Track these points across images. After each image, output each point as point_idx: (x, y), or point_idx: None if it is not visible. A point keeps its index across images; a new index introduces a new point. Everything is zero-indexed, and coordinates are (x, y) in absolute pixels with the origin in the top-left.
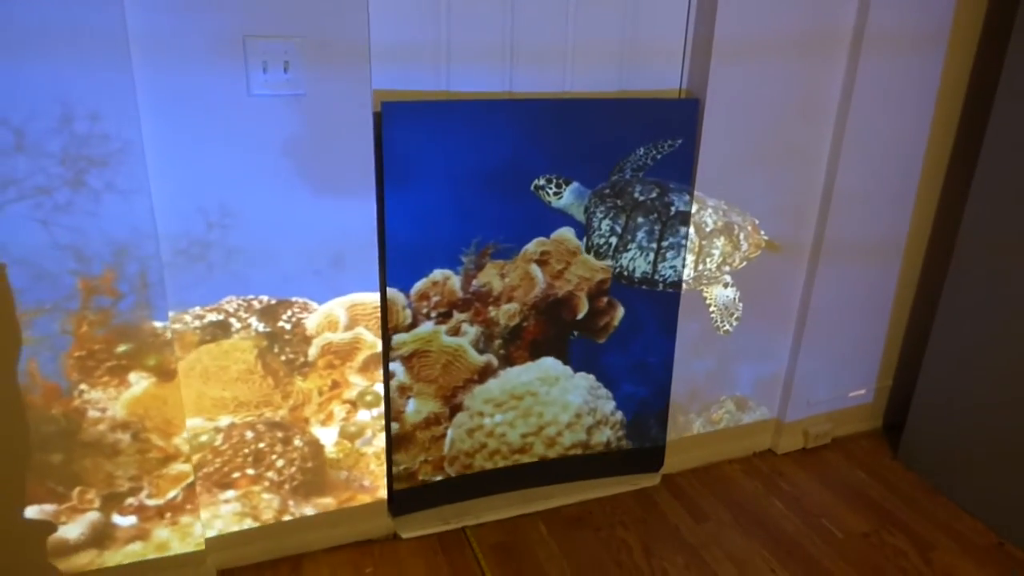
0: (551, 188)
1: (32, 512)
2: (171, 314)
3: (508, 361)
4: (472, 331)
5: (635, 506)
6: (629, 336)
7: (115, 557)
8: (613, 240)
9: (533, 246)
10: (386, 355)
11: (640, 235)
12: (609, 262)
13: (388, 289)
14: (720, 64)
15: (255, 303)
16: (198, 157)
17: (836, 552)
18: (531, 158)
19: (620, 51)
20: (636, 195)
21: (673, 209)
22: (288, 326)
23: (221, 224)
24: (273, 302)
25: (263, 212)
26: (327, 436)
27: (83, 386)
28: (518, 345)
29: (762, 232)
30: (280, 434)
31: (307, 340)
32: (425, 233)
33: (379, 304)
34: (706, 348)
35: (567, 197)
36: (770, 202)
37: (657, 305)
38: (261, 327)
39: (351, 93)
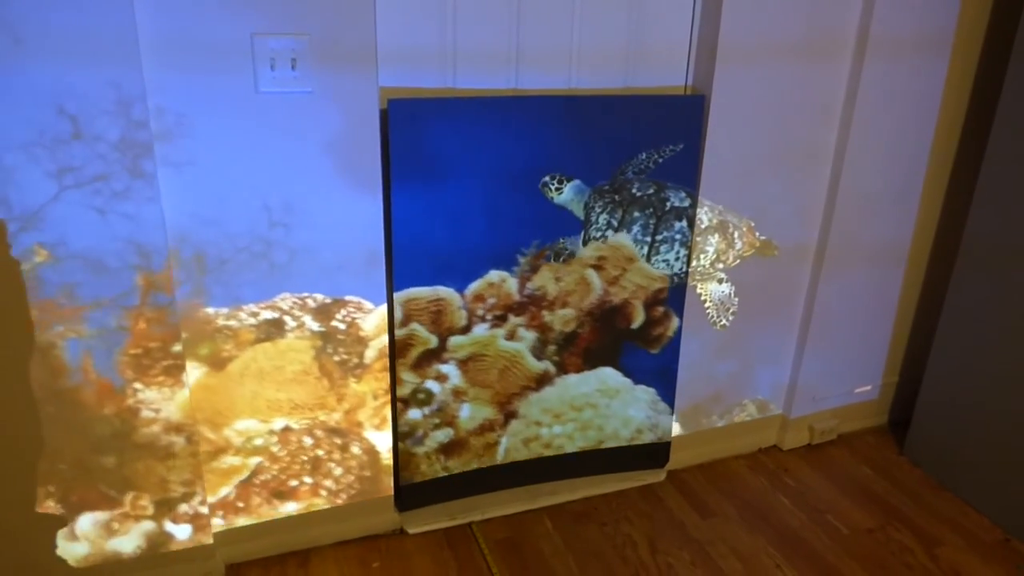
0: (553, 184)
1: (86, 520)
2: (226, 310)
3: (562, 368)
4: (529, 336)
5: (641, 502)
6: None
7: (123, 551)
8: (609, 233)
9: (590, 251)
10: (392, 358)
11: (635, 229)
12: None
13: (443, 288)
14: (725, 66)
15: (309, 301)
16: (205, 154)
17: (841, 548)
18: (538, 155)
19: (626, 53)
20: (634, 191)
21: (668, 204)
22: (342, 326)
23: (278, 222)
24: (328, 301)
25: (296, 207)
26: (382, 441)
27: (138, 384)
28: (572, 352)
29: (757, 233)
30: (338, 440)
31: (362, 341)
32: (440, 232)
33: (434, 300)
34: (721, 350)
35: (567, 193)
36: (775, 202)
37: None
38: (316, 326)
39: (358, 90)
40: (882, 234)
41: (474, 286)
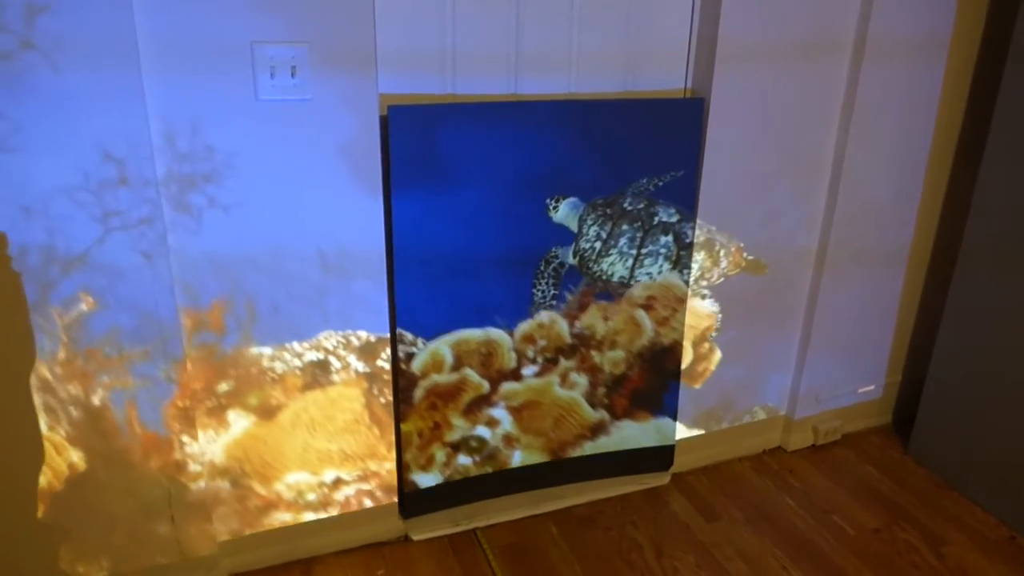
0: (551, 204)
1: None
2: (270, 351)
3: (612, 412)
4: (582, 382)
5: (645, 505)
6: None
7: (126, 562)
8: (597, 245)
9: (639, 290)
10: (395, 369)
11: (622, 241)
12: (592, 266)
13: (492, 330)
14: (724, 69)
15: (353, 339)
16: (251, 194)
17: (847, 548)
18: (540, 160)
19: (625, 56)
20: (625, 205)
21: (656, 219)
22: (387, 365)
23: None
24: (372, 339)
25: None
26: (427, 481)
27: (185, 437)
28: (620, 394)
29: (746, 254)
30: (399, 500)
31: (412, 381)
32: (442, 240)
33: (486, 340)
34: (729, 356)
35: (562, 210)
36: (776, 204)
37: None
38: (361, 367)
39: (357, 97)
40: (884, 234)
41: (523, 326)
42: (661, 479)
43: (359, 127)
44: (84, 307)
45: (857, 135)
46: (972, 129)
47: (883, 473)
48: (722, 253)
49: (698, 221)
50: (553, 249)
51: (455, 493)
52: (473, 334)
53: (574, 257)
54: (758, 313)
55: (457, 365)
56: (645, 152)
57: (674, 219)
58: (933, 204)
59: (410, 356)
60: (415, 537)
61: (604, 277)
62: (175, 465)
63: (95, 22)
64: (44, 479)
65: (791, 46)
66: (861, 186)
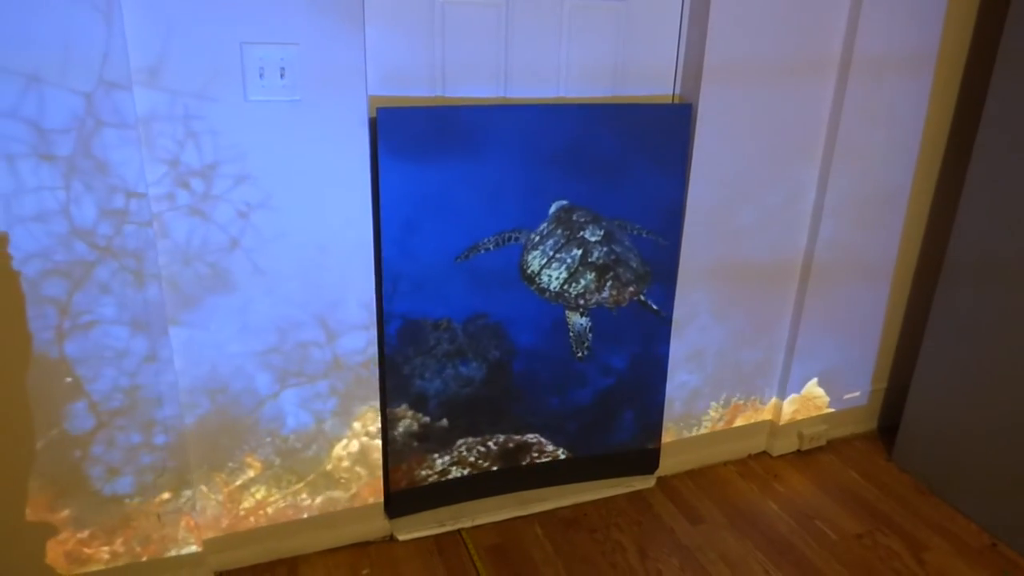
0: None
1: None
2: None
3: None
4: None
5: (630, 508)
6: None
7: (112, 559)
8: (536, 239)
9: (788, 403)
10: (381, 354)
11: (549, 243)
12: (524, 255)
13: None
14: (711, 86)
15: (491, 444)
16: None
17: (830, 553)
18: (527, 165)
19: (613, 71)
20: (573, 216)
21: (580, 234)
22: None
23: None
24: (510, 445)
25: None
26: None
27: None
28: None
29: (644, 298)
30: None
31: None
32: (431, 245)
33: None
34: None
35: (551, 209)
36: (762, 213)
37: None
38: None
39: (347, 98)
40: (870, 244)
41: None
42: (646, 482)
43: (348, 127)
44: (252, 473)
45: (844, 147)
46: (958, 141)
47: (867, 479)
48: (608, 285)
49: (609, 247)
50: (518, 228)
51: (441, 493)
52: None
53: (525, 242)
54: (747, 317)
55: None
56: (633, 158)
57: (594, 239)
58: (919, 215)
59: (537, 460)
60: (400, 537)
61: (524, 267)
62: None
63: None
64: None
65: (778, 63)
66: (848, 197)
